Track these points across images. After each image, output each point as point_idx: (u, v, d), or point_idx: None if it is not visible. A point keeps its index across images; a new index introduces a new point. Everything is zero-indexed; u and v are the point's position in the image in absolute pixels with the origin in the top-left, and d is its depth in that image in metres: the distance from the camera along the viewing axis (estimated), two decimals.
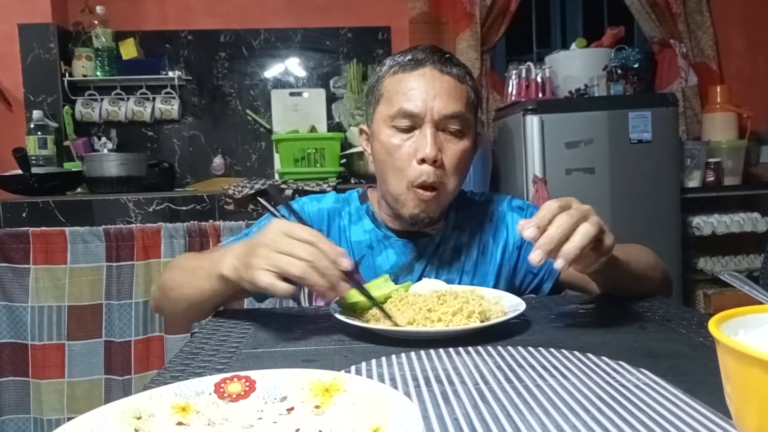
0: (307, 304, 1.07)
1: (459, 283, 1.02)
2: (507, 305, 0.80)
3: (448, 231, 1.05)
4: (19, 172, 2.15)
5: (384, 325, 0.74)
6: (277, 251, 0.71)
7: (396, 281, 1.00)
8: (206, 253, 0.95)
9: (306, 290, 1.06)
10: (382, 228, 1.05)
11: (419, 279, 1.01)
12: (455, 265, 1.03)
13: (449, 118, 0.93)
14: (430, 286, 0.85)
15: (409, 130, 0.94)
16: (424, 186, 0.93)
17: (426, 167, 0.92)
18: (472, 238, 1.05)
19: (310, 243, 0.71)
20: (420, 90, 0.93)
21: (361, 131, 1.06)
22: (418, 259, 1.03)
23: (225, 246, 0.94)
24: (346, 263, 0.72)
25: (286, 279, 0.71)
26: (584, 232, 0.70)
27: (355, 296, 0.82)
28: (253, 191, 2.06)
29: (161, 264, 1.97)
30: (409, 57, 0.96)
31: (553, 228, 0.69)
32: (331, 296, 0.73)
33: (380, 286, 0.84)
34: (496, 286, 1.03)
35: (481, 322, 0.73)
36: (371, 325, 0.75)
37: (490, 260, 1.05)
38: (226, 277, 0.78)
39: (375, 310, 0.78)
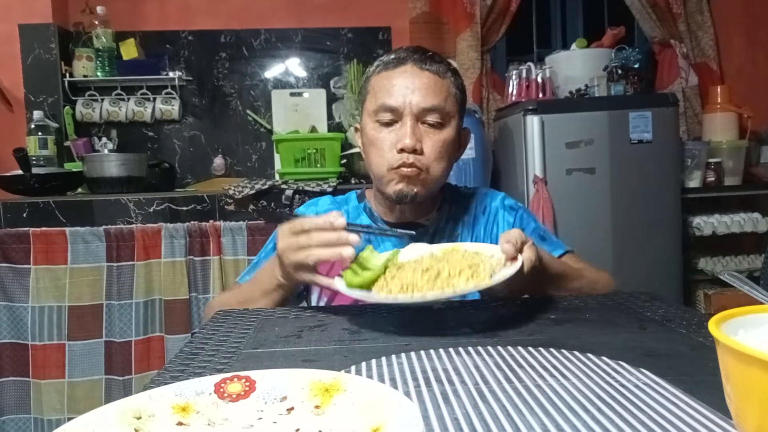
0: (317, 303, 1.08)
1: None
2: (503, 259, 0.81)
3: (442, 222, 1.10)
4: (20, 172, 2.15)
5: (398, 294, 0.73)
6: (292, 250, 0.84)
7: None
8: (238, 289, 1.05)
9: (320, 290, 1.08)
10: (378, 222, 1.10)
11: None
12: None
13: (428, 111, 0.99)
14: (417, 250, 0.86)
15: (391, 123, 1.01)
16: (405, 166, 0.98)
17: (405, 155, 0.98)
18: (465, 229, 1.10)
19: (304, 229, 0.83)
20: (400, 86, 0.99)
21: (356, 129, 1.12)
22: None
23: (256, 267, 1.07)
24: (340, 221, 0.82)
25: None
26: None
27: (358, 272, 0.81)
28: (253, 191, 2.06)
29: (161, 264, 1.97)
30: (393, 56, 1.03)
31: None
32: (348, 254, 0.81)
33: (370, 257, 0.85)
34: None
35: (490, 277, 0.74)
36: (383, 295, 0.74)
37: None
38: (284, 285, 0.92)
39: (381, 282, 0.77)
